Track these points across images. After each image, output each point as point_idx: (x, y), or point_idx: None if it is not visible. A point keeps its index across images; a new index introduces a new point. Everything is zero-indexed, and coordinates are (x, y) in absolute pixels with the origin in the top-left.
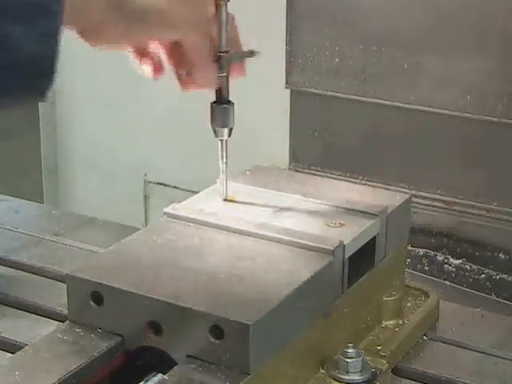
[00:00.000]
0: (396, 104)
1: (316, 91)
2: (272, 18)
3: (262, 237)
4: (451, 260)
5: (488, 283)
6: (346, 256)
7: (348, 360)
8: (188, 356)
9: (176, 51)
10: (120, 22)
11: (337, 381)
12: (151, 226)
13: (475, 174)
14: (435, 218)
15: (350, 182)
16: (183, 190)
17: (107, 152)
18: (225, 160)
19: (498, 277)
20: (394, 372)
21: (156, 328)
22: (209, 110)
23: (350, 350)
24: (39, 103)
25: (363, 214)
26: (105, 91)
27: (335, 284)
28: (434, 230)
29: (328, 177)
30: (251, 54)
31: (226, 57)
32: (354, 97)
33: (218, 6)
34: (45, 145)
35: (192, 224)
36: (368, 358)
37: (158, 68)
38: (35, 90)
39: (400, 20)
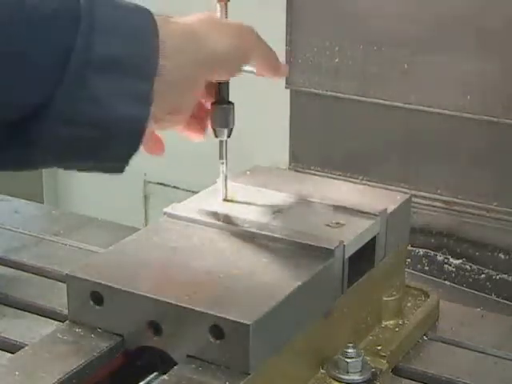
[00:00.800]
0: (396, 104)
1: (316, 91)
2: (272, 18)
3: (262, 237)
4: (451, 260)
5: (488, 283)
6: (346, 256)
7: (348, 360)
8: (188, 356)
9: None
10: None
11: (337, 381)
12: (151, 226)
13: (475, 174)
14: (435, 218)
15: (350, 181)
16: (183, 189)
17: None
18: (225, 160)
19: (497, 277)
20: (394, 372)
21: (156, 328)
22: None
23: (350, 350)
24: None
25: (363, 214)
26: None
27: (335, 284)
28: (434, 230)
29: (328, 177)
30: None
31: None
32: (354, 97)
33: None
34: None
35: (192, 224)
36: (368, 358)
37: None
38: (114, 154)
39: (400, 20)
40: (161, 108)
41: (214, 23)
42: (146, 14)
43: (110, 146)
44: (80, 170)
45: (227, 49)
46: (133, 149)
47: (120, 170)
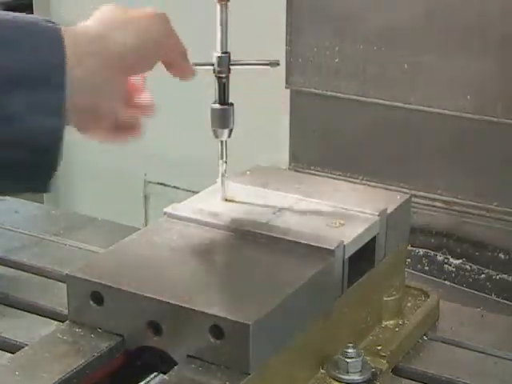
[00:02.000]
0: (396, 104)
1: (316, 91)
2: (272, 18)
3: (262, 237)
4: (451, 260)
5: (488, 283)
6: (346, 256)
7: (348, 360)
8: (188, 356)
9: None
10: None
11: (337, 381)
12: (151, 226)
13: (475, 174)
14: (435, 218)
15: (350, 181)
16: (183, 189)
17: (107, 152)
18: (225, 160)
19: (497, 277)
20: (394, 372)
21: (156, 328)
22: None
23: (350, 350)
24: None
25: (363, 214)
26: None
27: (335, 284)
28: (434, 230)
29: (328, 177)
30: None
31: (226, 58)
32: (354, 97)
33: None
34: None
35: (192, 224)
36: (368, 357)
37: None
38: (35, 172)
39: (400, 20)
40: (81, 116)
41: (118, 21)
42: (48, 26)
43: (27, 163)
44: (2, 192)
45: (136, 45)
46: (52, 164)
47: (44, 189)
